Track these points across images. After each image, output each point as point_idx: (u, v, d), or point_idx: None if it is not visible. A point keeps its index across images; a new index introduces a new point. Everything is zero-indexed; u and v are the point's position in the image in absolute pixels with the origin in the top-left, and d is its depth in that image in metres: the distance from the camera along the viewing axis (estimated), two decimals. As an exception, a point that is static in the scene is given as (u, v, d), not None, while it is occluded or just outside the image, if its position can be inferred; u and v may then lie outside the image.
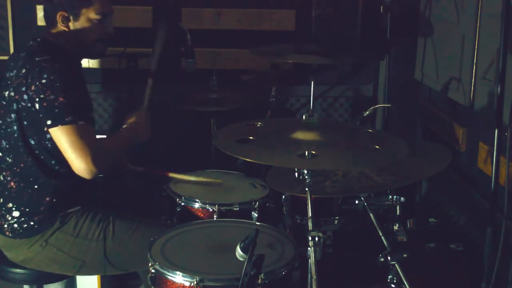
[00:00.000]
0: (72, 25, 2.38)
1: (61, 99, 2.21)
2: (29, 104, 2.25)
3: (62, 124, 2.21)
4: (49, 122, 2.23)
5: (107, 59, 3.64)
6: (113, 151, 2.41)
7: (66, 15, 2.36)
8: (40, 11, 3.73)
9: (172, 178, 2.78)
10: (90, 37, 2.43)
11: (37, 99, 2.23)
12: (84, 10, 2.38)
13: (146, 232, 2.39)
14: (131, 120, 2.52)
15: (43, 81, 2.22)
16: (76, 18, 2.38)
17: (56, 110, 2.21)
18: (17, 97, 2.27)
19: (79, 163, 2.21)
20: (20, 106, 2.28)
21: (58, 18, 2.36)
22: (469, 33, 2.79)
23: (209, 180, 2.79)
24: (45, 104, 2.22)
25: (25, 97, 2.25)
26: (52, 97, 2.21)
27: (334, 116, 4.05)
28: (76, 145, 2.21)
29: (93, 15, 2.39)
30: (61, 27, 2.38)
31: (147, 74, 2.76)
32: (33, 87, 2.23)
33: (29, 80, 2.23)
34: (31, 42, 2.38)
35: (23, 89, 2.25)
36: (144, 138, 2.53)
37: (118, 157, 2.52)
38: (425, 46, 3.36)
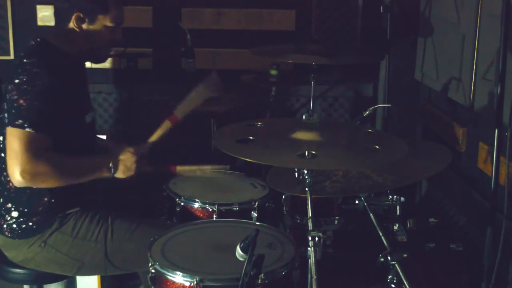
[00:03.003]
0: (85, 27, 2.38)
1: (21, 101, 2.19)
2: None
3: (11, 126, 2.19)
4: (6, 121, 2.22)
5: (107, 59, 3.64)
6: (64, 170, 2.27)
7: (82, 16, 2.36)
8: (40, 11, 3.74)
9: (174, 177, 2.76)
10: (99, 42, 2.43)
11: (7, 97, 2.24)
12: (101, 17, 2.38)
13: (145, 232, 2.38)
14: (121, 157, 2.38)
15: (16, 81, 2.22)
16: (91, 22, 2.37)
17: (13, 111, 2.20)
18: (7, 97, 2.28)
19: (10, 168, 2.18)
20: (7, 106, 2.28)
21: (73, 17, 2.35)
22: (469, 33, 2.79)
23: (214, 172, 2.75)
24: (9, 104, 2.22)
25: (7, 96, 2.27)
26: (15, 97, 2.20)
27: (334, 116, 4.05)
28: (13, 149, 2.17)
29: (108, 22, 2.39)
30: (73, 26, 2.37)
31: (168, 117, 2.61)
32: (9, 87, 2.24)
33: (11, 80, 2.25)
34: (31, 42, 2.38)
35: (7, 90, 2.26)
36: (120, 176, 2.39)
37: (70, 178, 2.31)
38: (425, 46, 3.36)
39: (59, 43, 2.39)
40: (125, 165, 2.37)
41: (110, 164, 2.35)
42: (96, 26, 2.38)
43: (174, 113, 2.61)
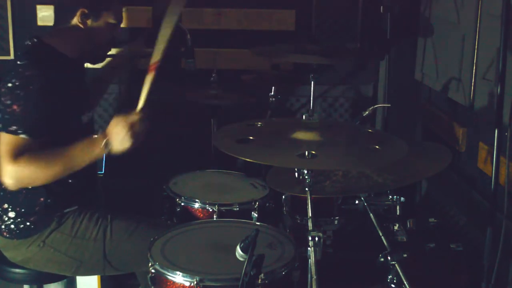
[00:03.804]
0: (89, 23, 2.38)
1: (15, 107, 2.19)
2: None
3: (5, 131, 2.19)
4: (0, 125, 2.22)
5: (107, 59, 3.64)
6: (50, 166, 2.21)
7: (87, 12, 2.36)
8: (40, 11, 3.73)
9: (175, 177, 2.77)
10: (101, 40, 2.44)
11: (0, 100, 2.23)
12: (105, 13, 2.39)
13: (144, 232, 2.38)
14: (110, 129, 2.20)
15: (9, 84, 2.21)
16: (95, 19, 2.38)
17: (7, 116, 2.20)
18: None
19: (2, 173, 2.19)
20: None
21: (78, 13, 2.35)
22: (469, 33, 2.79)
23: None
24: (1, 108, 2.21)
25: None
26: (8, 102, 2.19)
27: (334, 116, 4.05)
28: (6, 155, 2.17)
29: (111, 19, 2.41)
30: (77, 22, 2.37)
31: (148, 70, 2.35)
32: (2, 90, 2.23)
33: (3, 83, 2.24)
34: (27, 42, 2.37)
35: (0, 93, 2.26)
36: (119, 148, 2.18)
37: (62, 169, 2.23)
38: (425, 46, 3.36)
39: (54, 43, 2.37)
40: (118, 135, 2.16)
41: (102, 140, 2.18)
42: (100, 24, 2.39)
43: (150, 62, 2.36)
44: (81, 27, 2.37)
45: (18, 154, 2.18)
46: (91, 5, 2.36)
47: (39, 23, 3.74)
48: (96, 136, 2.24)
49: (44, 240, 2.36)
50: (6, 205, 2.36)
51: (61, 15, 2.43)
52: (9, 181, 2.18)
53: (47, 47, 2.36)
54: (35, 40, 2.36)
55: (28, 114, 2.20)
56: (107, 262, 2.39)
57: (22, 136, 2.18)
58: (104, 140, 2.18)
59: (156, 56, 2.30)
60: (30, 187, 2.31)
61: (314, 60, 3.16)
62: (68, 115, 2.36)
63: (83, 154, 2.22)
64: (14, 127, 2.18)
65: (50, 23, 3.70)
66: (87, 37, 2.40)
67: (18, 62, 2.26)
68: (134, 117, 2.21)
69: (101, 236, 2.37)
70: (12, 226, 2.35)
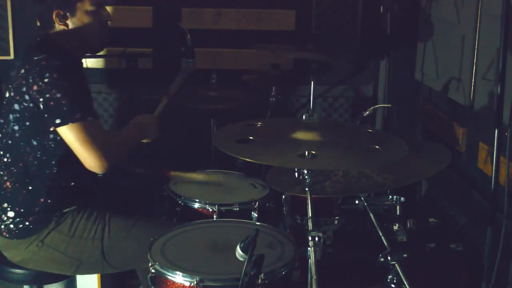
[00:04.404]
0: (70, 23, 2.35)
1: (68, 97, 2.21)
2: (31, 105, 2.24)
3: (72, 122, 2.22)
4: (58, 121, 2.22)
5: (107, 59, 3.65)
6: (124, 144, 2.45)
7: (62, 13, 2.34)
8: (40, 11, 3.73)
9: (172, 178, 2.77)
10: (91, 30, 2.40)
11: (41, 99, 2.21)
12: (79, 4, 2.35)
13: (143, 230, 2.38)
14: (139, 119, 2.57)
15: (46, 80, 2.21)
16: (72, 14, 2.35)
17: (64, 108, 2.21)
18: (17, 97, 2.26)
19: (91, 160, 2.24)
20: (22, 106, 2.26)
21: (55, 17, 2.34)
22: (469, 33, 2.79)
23: (209, 179, 2.80)
24: (51, 103, 2.21)
25: (27, 97, 2.24)
26: (58, 95, 2.20)
27: (334, 116, 4.05)
28: (87, 142, 2.23)
29: (88, 6, 2.37)
30: (59, 26, 2.35)
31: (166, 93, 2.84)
32: (35, 87, 2.21)
33: (30, 80, 2.22)
34: (32, 42, 2.37)
35: (24, 89, 2.24)
36: (151, 136, 2.58)
37: (129, 151, 2.50)
38: (425, 46, 3.36)
39: (56, 41, 2.37)
40: (147, 126, 2.57)
41: (139, 126, 2.54)
42: (80, 17, 2.36)
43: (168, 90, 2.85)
44: (65, 30, 2.36)
45: (101, 136, 2.28)
46: (61, 3, 2.33)
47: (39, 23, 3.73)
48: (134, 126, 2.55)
49: (42, 240, 2.36)
50: (5, 205, 2.36)
51: (44, 23, 2.39)
52: (104, 164, 2.25)
53: (52, 43, 2.36)
54: (38, 39, 2.37)
55: (80, 98, 2.26)
56: (106, 260, 2.39)
57: (90, 118, 2.24)
58: (143, 125, 2.55)
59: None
60: (30, 188, 2.32)
61: (314, 60, 3.16)
62: (91, 103, 2.41)
63: (138, 136, 2.54)
64: (79, 115, 2.22)
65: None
66: (77, 36, 2.38)
67: (36, 58, 2.25)
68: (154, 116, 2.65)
69: (99, 235, 2.37)
70: (11, 226, 2.35)
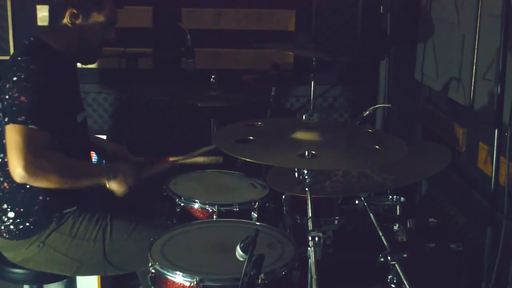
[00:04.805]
0: (79, 23, 2.38)
1: (22, 98, 2.20)
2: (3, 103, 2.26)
3: (13, 123, 2.19)
4: (6, 119, 2.22)
5: (107, 59, 3.65)
6: (64, 168, 2.27)
7: (76, 12, 2.36)
8: (40, 11, 3.74)
9: (174, 177, 2.77)
10: (91, 40, 2.44)
11: (6, 97, 2.23)
12: (95, 14, 2.39)
13: (144, 232, 2.38)
14: (122, 168, 2.43)
15: (14, 78, 2.22)
16: (85, 19, 2.38)
17: (14, 108, 2.20)
18: (1, 96, 2.28)
19: (12, 164, 2.17)
20: (2, 105, 2.28)
21: (67, 13, 2.36)
22: (469, 33, 2.79)
23: (209, 161, 2.75)
24: (9, 101, 2.21)
25: (3, 96, 2.26)
26: (16, 95, 2.20)
27: (334, 116, 4.05)
28: (16, 145, 2.17)
29: (102, 20, 2.41)
30: (66, 22, 2.37)
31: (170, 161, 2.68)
32: (7, 85, 2.24)
33: (7, 78, 2.24)
34: (25, 40, 2.38)
35: (4, 89, 2.26)
36: (116, 189, 2.38)
37: (70, 179, 2.31)
38: (425, 46, 3.36)
39: (50, 41, 2.39)
40: (122, 179, 2.37)
41: (109, 173, 2.35)
42: (89, 24, 2.39)
43: (174, 159, 2.69)
44: (70, 27, 2.37)
45: (39, 146, 2.19)
46: (79, 5, 2.36)
47: (39, 23, 3.74)
48: (106, 168, 2.44)
49: (43, 240, 2.36)
50: (5, 206, 2.36)
51: (53, 14, 2.43)
52: (28, 170, 2.16)
53: (44, 45, 2.37)
54: (32, 39, 2.37)
55: (35, 105, 2.21)
56: (107, 262, 2.39)
57: (31, 126, 2.18)
58: (112, 174, 2.35)
59: (179, 160, 2.69)
60: (28, 186, 2.31)
61: (313, 60, 3.16)
62: (66, 112, 2.37)
63: (91, 176, 2.36)
64: (23, 117, 2.18)
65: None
66: (77, 36, 2.40)
67: (19, 58, 2.27)
68: (137, 168, 2.48)
69: (100, 237, 2.37)
70: (12, 226, 2.35)
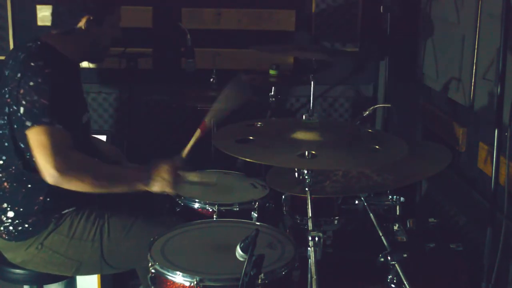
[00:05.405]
0: (91, 27, 2.39)
1: (43, 100, 2.19)
2: (15, 107, 2.24)
3: (37, 124, 2.18)
4: (28, 124, 2.20)
5: (107, 59, 3.64)
6: (98, 174, 2.25)
7: (92, 19, 2.37)
8: (40, 11, 3.74)
9: None
10: (103, 42, 2.46)
11: (23, 102, 2.21)
12: (108, 17, 2.41)
13: (142, 229, 2.38)
14: (157, 170, 2.29)
15: (31, 83, 2.21)
16: (99, 23, 2.40)
17: (35, 111, 2.19)
18: (9, 100, 2.27)
19: (43, 165, 2.16)
20: (11, 109, 2.26)
21: (84, 19, 2.36)
22: (469, 33, 2.79)
23: (202, 180, 2.66)
24: (28, 105, 2.20)
25: (15, 100, 2.24)
26: (35, 98, 2.19)
27: (334, 116, 4.05)
28: (44, 146, 2.16)
29: (113, 22, 2.44)
30: (81, 27, 2.37)
31: (200, 125, 2.47)
32: (21, 91, 2.22)
33: (22, 84, 2.23)
34: (30, 44, 2.35)
35: (14, 93, 2.24)
36: (160, 189, 2.28)
37: (104, 183, 2.27)
38: (425, 46, 3.36)
39: (55, 44, 2.37)
40: (163, 179, 2.27)
41: (147, 177, 2.26)
42: (102, 28, 2.41)
43: (204, 120, 2.48)
44: (85, 32, 2.38)
45: (68, 146, 2.18)
46: (97, 11, 2.37)
47: (39, 23, 3.74)
48: (142, 171, 2.30)
49: (42, 242, 2.36)
50: (5, 205, 2.35)
51: (60, 18, 2.41)
52: (60, 170, 2.14)
53: (51, 48, 2.36)
54: (39, 43, 2.36)
55: (57, 106, 2.21)
56: (105, 261, 2.39)
57: (58, 126, 2.18)
58: (147, 177, 2.26)
59: (209, 120, 2.47)
60: (29, 186, 2.31)
61: (314, 59, 3.16)
62: (72, 114, 2.37)
63: (128, 182, 2.29)
64: (47, 119, 2.18)
65: (50, 23, 3.72)
66: (89, 40, 2.42)
67: (33, 64, 2.25)
68: (177, 164, 2.34)
69: (98, 236, 2.37)
70: (11, 228, 2.35)
